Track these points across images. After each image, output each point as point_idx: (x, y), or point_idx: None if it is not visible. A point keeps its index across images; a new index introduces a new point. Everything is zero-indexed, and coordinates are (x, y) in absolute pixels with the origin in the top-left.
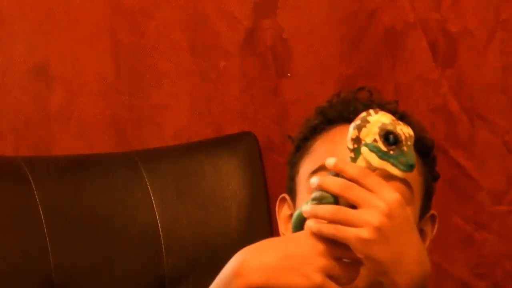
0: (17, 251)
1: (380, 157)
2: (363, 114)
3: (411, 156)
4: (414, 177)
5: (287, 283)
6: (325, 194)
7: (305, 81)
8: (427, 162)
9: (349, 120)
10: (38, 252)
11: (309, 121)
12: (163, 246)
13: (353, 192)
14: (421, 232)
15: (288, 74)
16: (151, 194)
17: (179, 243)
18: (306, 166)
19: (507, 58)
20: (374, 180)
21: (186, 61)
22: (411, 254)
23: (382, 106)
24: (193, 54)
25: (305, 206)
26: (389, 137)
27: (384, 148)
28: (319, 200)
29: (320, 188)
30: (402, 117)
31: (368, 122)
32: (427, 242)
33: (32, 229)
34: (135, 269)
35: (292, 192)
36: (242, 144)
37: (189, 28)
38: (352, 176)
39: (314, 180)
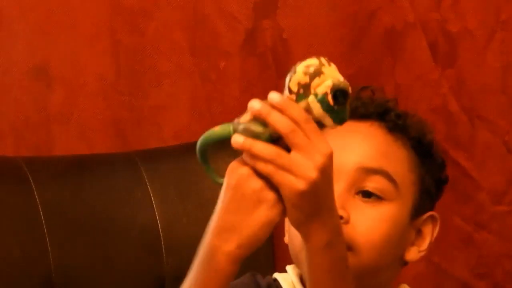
0: (17, 251)
1: (324, 109)
2: (315, 61)
3: (347, 112)
4: (403, 173)
5: (257, 221)
6: (260, 131)
7: None
8: (425, 162)
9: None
10: (38, 252)
11: None
12: (163, 246)
13: (297, 137)
14: (419, 233)
15: None
16: (151, 195)
17: (179, 243)
18: None
19: (507, 58)
20: (313, 129)
21: (186, 62)
22: (329, 208)
23: (382, 105)
24: (193, 54)
25: (237, 137)
26: (338, 95)
27: (331, 103)
28: (253, 135)
29: (259, 117)
30: (399, 115)
31: (322, 72)
32: (426, 243)
33: (32, 229)
34: (135, 269)
35: None
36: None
37: (189, 29)
38: (295, 119)
39: (256, 105)
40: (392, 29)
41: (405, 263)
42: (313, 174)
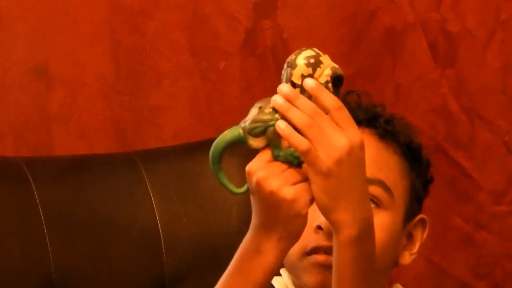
0: (17, 251)
1: None
2: (312, 52)
3: (340, 96)
4: (395, 180)
5: (286, 217)
6: (269, 117)
7: None
8: (414, 166)
9: None
10: (38, 252)
11: None
12: (163, 246)
13: (323, 121)
14: (410, 236)
15: None
16: (151, 195)
17: (179, 243)
18: None
19: (507, 58)
20: (345, 116)
21: (186, 62)
22: (358, 196)
23: (370, 111)
24: (193, 54)
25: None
26: (336, 82)
27: (331, 90)
28: (263, 122)
29: (279, 109)
30: (388, 121)
31: (321, 62)
32: (417, 246)
33: (32, 229)
34: (135, 269)
35: None
36: (242, 144)
37: (189, 29)
38: (327, 106)
39: (279, 99)
40: (392, 29)
41: (396, 265)
42: (336, 153)
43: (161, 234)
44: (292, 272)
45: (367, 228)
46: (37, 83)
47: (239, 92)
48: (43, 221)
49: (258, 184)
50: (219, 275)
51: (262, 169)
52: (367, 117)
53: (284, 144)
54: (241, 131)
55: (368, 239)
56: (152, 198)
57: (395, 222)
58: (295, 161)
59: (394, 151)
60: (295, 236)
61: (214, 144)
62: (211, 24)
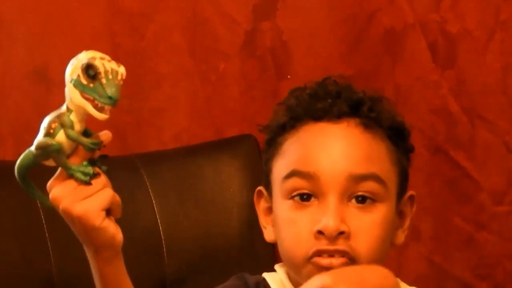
0: (19, 254)
1: (82, 92)
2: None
3: (112, 89)
4: (388, 170)
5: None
6: (49, 141)
7: (305, 83)
8: (399, 145)
9: (317, 118)
10: (39, 254)
11: (277, 116)
12: (164, 248)
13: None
14: (401, 214)
15: (288, 76)
16: (152, 197)
17: (180, 245)
18: (278, 167)
19: (507, 59)
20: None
21: (186, 64)
22: None
23: (351, 99)
24: (193, 56)
25: None
26: (89, 71)
27: (84, 82)
28: (44, 149)
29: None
30: (371, 108)
31: (76, 59)
32: (407, 222)
33: (33, 232)
34: (136, 271)
35: (268, 187)
36: (242, 146)
37: (188, 31)
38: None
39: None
40: (392, 30)
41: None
42: None
43: (162, 236)
44: (298, 275)
45: None
46: (36, 85)
47: (239, 94)
48: (44, 224)
49: (54, 202)
50: (219, 277)
51: (57, 187)
52: (349, 105)
53: (73, 161)
54: (31, 156)
55: None
56: (153, 201)
57: (391, 210)
58: (84, 178)
59: (381, 139)
60: (108, 247)
61: (16, 169)
62: (211, 26)
